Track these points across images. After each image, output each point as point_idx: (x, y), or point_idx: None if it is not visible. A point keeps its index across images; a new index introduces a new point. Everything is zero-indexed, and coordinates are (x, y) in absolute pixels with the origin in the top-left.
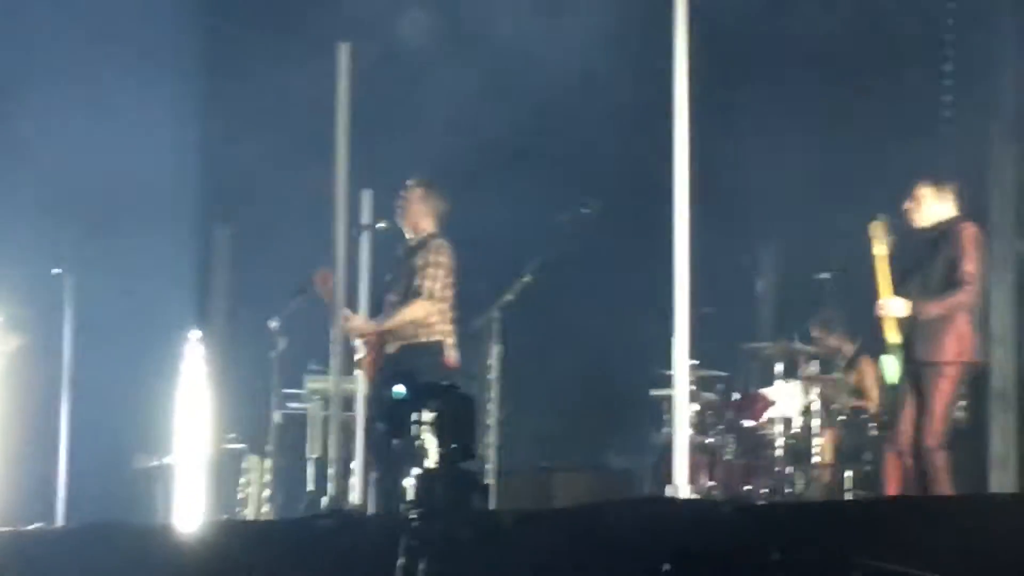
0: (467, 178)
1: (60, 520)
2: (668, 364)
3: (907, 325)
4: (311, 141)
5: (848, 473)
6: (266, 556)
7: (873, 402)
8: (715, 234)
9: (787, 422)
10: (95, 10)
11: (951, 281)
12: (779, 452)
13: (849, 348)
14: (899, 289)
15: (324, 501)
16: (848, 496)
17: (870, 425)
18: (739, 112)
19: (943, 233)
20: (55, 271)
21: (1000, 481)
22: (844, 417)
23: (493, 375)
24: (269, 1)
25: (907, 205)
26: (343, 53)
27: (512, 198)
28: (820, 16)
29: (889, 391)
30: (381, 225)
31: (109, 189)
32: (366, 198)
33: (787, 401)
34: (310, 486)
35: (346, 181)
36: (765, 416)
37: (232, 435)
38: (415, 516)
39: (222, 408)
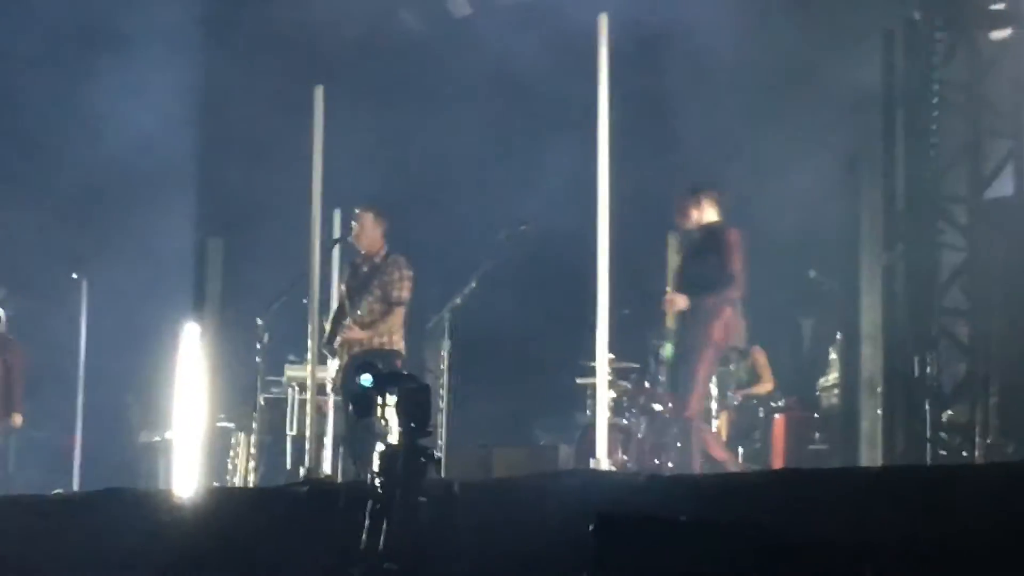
0: (420, 200)
1: (76, 487)
2: (591, 356)
3: (682, 314)
4: (290, 167)
5: (740, 448)
6: (251, 518)
7: (768, 384)
8: (633, 244)
9: None
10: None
11: (719, 278)
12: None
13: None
14: (676, 283)
15: (301, 472)
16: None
17: (759, 408)
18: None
19: (709, 235)
20: (73, 275)
21: (869, 457)
22: (737, 401)
23: (444, 366)
24: (257, 46)
25: (685, 205)
26: (317, 94)
27: (461, 217)
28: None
29: (670, 370)
30: (350, 238)
31: (119, 206)
32: (336, 216)
33: None
34: (289, 459)
35: (320, 201)
36: (671, 403)
37: (223, 415)
38: (379, 484)
39: (214, 392)
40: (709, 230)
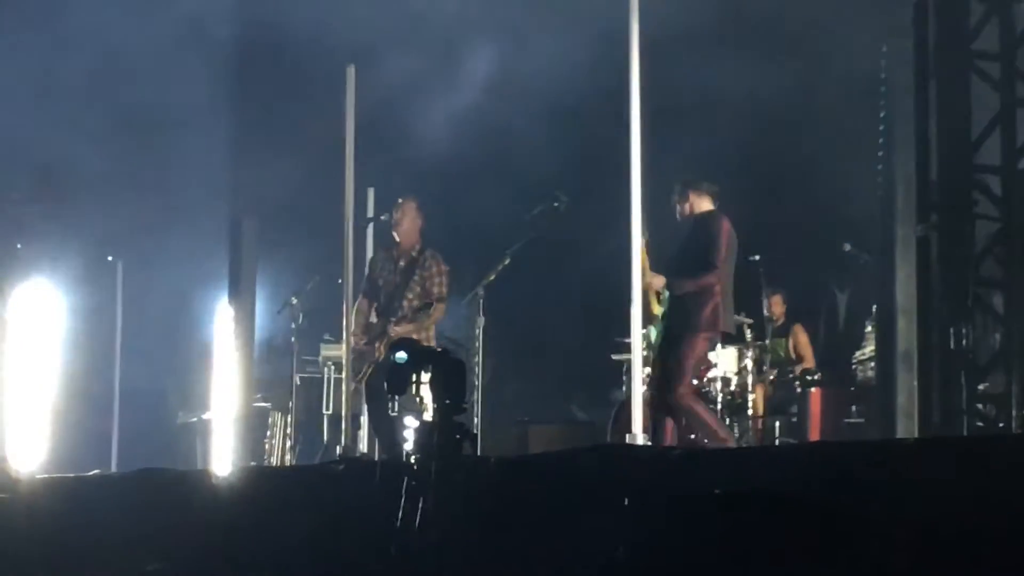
0: (458, 177)
1: (115, 467)
2: (625, 332)
3: (668, 300)
4: (324, 148)
5: (777, 423)
6: (289, 497)
7: (808, 362)
8: (667, 219)
9: (725, 381)
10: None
11: (703, 264)
12: (719, 406)
13: (781, 317)
14: (664, 268)
15: (338, 450)
16: (777, 442)
17: (796, 382)
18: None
19: (699, 224)
20: (109, 258)
21: (905, 429)
22: (773, 376)
23: (479, 343)
24: (289, 30)
25: (675, 199)
26: (350, 74)
27: (496, 194)
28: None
29: (655, 354)
30: (383, 217)
31: (153, 186)
32: (371, 195)
33: (725, 363)
34: (325, 438)
35: (353, 181)
36: (707, 376)
37: (259, 395)
38: (415, 461)
39: (250, 372)
40: (699, 219)
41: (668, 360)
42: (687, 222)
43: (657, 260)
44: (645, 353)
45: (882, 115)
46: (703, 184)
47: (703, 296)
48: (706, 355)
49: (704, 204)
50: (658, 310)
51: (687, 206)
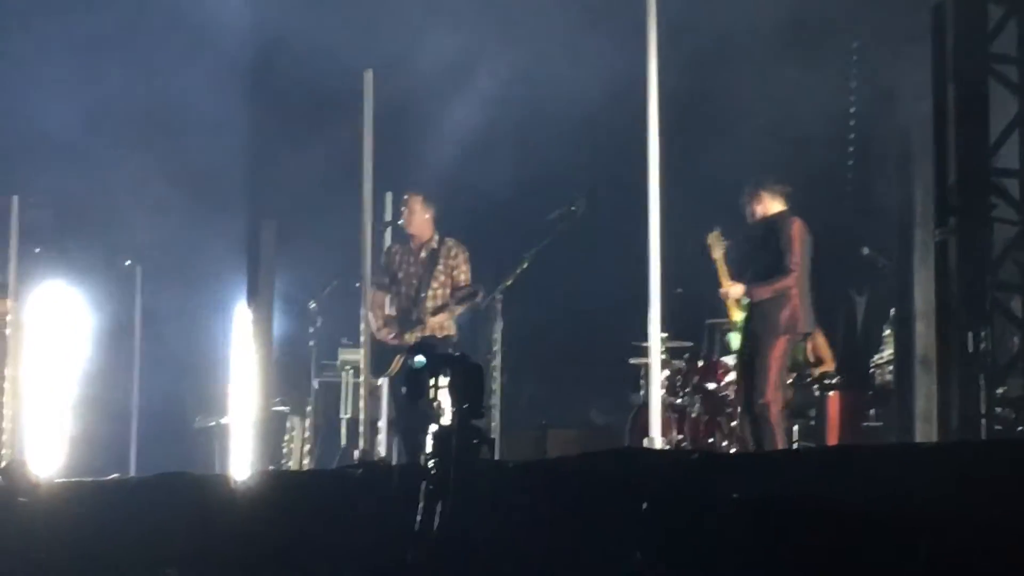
0: (474, 181)
1: (133, 471)
2: (644, 336)
3: (748, 305)
4: (342, 151)
5: (796, 427)
6: (307, 502)
7: (828, 364)
8: (684, 224)
9: None
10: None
11: (779, 268)
12: (737, 410)
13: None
14: (739, 274)
15: (356, 454)
16: (795, 446)
17: (814, 386)
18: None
19: (771, 227)
20: (127, 262)
21: (924, 433)
22: (791, 380)
23: (497, 347)
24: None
25: (745, 200)
26: (367, 78)
27: (513, 197)
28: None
29: (738, 360)
30: (401, 221)
31: (173, 192)
32: (388, 199)
33: None
34: (343, 442)
35: (371, 184)
36: (725, 380)
37: (277, 399)
38: (433, 466)
39: (269, 376)
40: (771, 222)
41: (752, 366)
42: (759, 224)
43: (732, 263)
44: (733, 362)
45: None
46: (775, 184)
47: (781, 299)
48: (787, 356)
49: (776, 205)
50: (738, 316)
51: (759, 208)
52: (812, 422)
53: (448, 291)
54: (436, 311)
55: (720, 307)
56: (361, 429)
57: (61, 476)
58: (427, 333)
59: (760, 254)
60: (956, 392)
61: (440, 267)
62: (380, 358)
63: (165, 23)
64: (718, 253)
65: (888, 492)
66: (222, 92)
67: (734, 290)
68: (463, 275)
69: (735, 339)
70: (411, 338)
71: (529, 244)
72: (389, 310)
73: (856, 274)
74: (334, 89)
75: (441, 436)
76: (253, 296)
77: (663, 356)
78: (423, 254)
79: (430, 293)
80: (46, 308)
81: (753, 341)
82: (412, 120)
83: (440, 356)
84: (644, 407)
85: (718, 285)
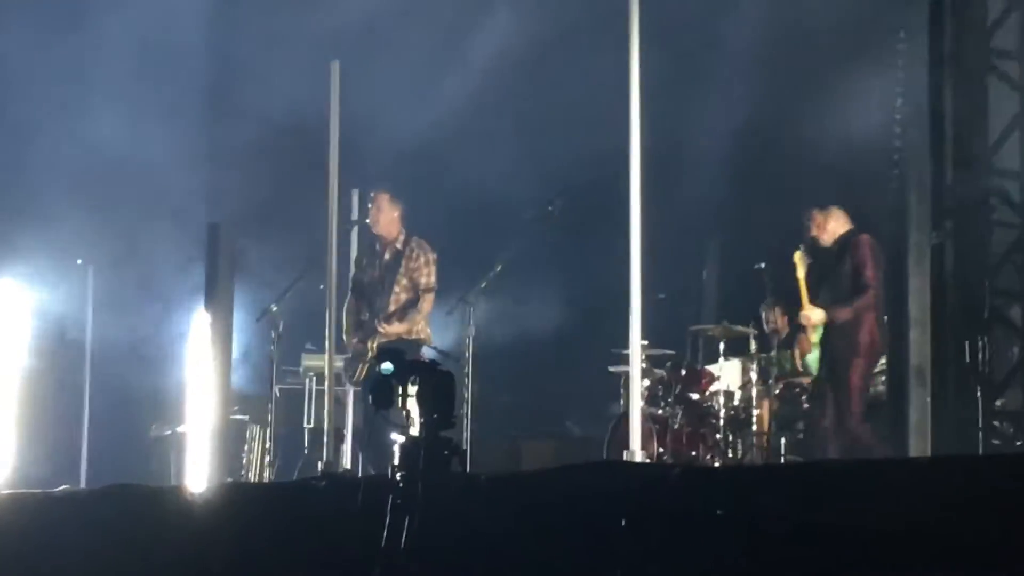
0: (444, 178)
1: (83, 483)
2: (623, 344)
3: (826, 326)
4: (305, 147)
5: (783, 440)
6: (267, 516)
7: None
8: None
9: (728, 395)
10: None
11: (855, 287)
12: (722, 421)
13: (785, 328)
14: (814, 298)
15: (319, 466)
16: (783, 460)
17: (802, 397)
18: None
19: (842, 247)
20: (79, 261)
21: (918, 447)
22: (779, 390)
23: (468, 354)
24: (269, 22)
25: (812, 232)
26: (334, 70)
27: (485, 196)
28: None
29: (816, 381)
30: (368, 220)
31: (126, 193)
32: (355, 197)
33: (728, 376)
34: (306, 452)
35: (337, 182)
36: (709, 390)
37: (236, 407)
38: (401, 478)
39: (227, 383)
40: (841, 242)
41: (837, 388)
42: (827, 246)
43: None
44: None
45: (897, 117)
46: (834, 207)
47: (860, 318)
48: (869, 376)
49: (842, 225)
50: (815, 337)
51: (829, 227)
52: (800, 435)
53: (410, 295)
54: (389, 319)
55: (704, 316)
56: (326, 439)
57: (6, 487)
58: (385, 340)
59: (834, 275)
60: (952, 404)
61: (402, 270)
62: (351, 364)
63: (119, 17)
64: (801, 272)
65: (881, 508)
66: (179, 89)
67: (815, 315)
68: (423, 277)
69: (813, 362)
70: (372, 345)
71: (504, 245)
72: (363, 315)
73: None
74: (296, 83)
75: (409, 447)
76: (211, 299)
77: (644, 364)
78: (387, 256)
79: (392, 298)
80: None
81: (833, 362)
82: (381, 114)
83: (409, 363)
84: (624, 418)
85: (798, 306)
